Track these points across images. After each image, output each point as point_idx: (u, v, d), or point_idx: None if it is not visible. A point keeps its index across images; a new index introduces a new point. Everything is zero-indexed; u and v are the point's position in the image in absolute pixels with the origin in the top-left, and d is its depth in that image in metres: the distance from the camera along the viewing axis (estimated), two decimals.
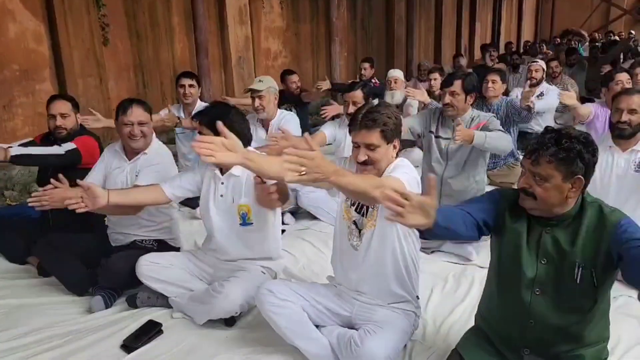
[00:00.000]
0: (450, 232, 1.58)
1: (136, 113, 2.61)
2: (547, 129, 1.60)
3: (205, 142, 1.63)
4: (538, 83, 5.20)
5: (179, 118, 3.90)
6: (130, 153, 2.70)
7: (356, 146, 2.00)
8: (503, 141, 3.01)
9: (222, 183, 2.40)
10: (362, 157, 1.96)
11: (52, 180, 2.19)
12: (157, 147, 2.74)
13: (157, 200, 2.41)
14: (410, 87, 6.51)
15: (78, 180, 2.22)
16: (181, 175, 2.51)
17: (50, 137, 3.04)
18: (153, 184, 2.44)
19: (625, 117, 2.70)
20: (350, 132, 2.04)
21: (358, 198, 1.94)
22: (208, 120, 2.23)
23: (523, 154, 1.67)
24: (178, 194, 2.43)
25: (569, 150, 1.52)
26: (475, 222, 1.65)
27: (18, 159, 2.76)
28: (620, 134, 2.74)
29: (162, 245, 2.79)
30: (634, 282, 1.55)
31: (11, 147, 2.76)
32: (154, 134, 2.76)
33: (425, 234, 1.54)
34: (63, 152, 2.83)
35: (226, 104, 2.54)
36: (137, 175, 2.60)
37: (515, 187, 1.80)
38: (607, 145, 2.80)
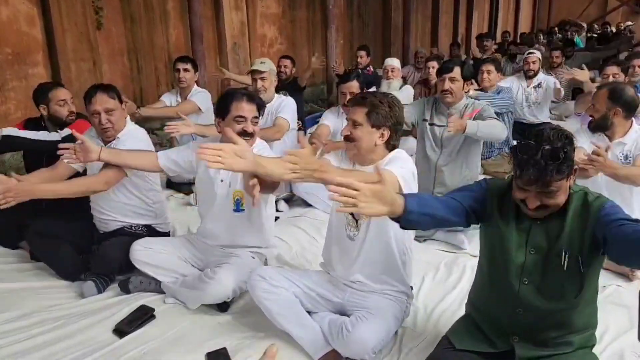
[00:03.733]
0: (432, 218, 1.59)
1: (100, 100, 2.49)
2: (526, 144, 1.50)
3: (212, 149, 1.56)
4: (535, 74, 5.20)
5: (137, 107, 3.78)
6: (105, 142, 2.64)
7: (347, 123, 2.07)
8: (496, 129, 3.01)
9: None
10: (345, 132, 2.03)
11: (12, 174, 2.24)
12: (131, 129, 2.67)
13: (148, 166, 2.45)
14: (405, 74, 6.52)
15: (73, 131, 2.30)
16: (178, 150, 2.53)
17: (40, 123, 3.01)
18: (149, 151, 2.47)
19: (589, 111, 2.82)
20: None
21: None
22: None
23: (513, 168, 1.57)
24: (171, 166, 2.47)
25: (567, 157, 1.49)
26: (464, 209, 1.67)
27: (10, 140, 2.74)
28: (589, 127, 2.83)
29: (151, 231, 2.78)
30: (621, 260, 1.54)
31: None
32: (127, 118, 2.69)
33: (401, 222, 1.54)
34: (60, 139, 2.82)
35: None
36: None
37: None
38: (598, 134, 2.83)
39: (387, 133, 2.02)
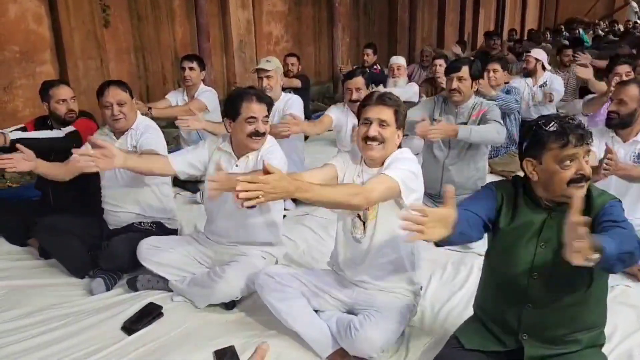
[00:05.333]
0: (463, 238, 1.60)
1: (113, 93, 2.62)
2: (547, 120, 1.60)
3: (249, 184, 1.46)
4: (530, 74, 5.16)
5: (149, 108, 3.79)
6: (118, 133, 2.73)
7: (366, 122, 1.97)
8: (490, 134, 3.00)
9: (237, 165, 2.39)
10: (374, 132, 1.94)
11: (18, 146, 2.32)
12: (143, 121, 2.77)
13: (164, 170, 2.43)
14: (410, 73, 6.49)
15: (92, 138, 2.30)
16: (189, 150, 2.53)
17: (46, 122, 3.03)
18: (161, 155, 2.46)
19: (613, 107, 2.74)
20: (361, 109, 2.02)
21: (335, 207, 1.95)
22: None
23: (553, 144, 1.57)
24: (184, 169, 2.44)
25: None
26: (482, 221, 1.66)
27: (18, 143, 2.76)
28: (608, 123, 2.77)
29: (160, 227, 2.80)
30: None
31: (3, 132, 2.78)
32: (138, 113, 2.80)
33: (440, 243, 1.54)
34: (63, 135, 2.84)
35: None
36: (135, 145, 2.65)
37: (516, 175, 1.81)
38: (609, 136, 2.80)
39: (401, 134, 2.02)
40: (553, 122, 1.57)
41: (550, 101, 4.86)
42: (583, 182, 1.56)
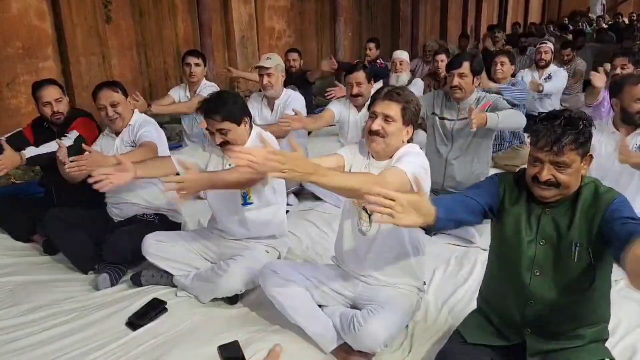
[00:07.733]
0: (455, 222, 1.61)
1: (105, 95, 2.70)
2: (549, 114, 1.60)
3: (274, 155, 1.53)
4: (547, 65, 5.16)
5: (149, 105, 3.74)
6: (117, 132, 2.80)
7: (372, 116, 1.99)
8: (515, 117, 2.99)
9: (230, 165, 2.40)
10: (376, 126, 1.95)
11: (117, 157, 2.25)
12: (140, 117, 2.84)
13: (170, 172, 2.41)
14: (413, 67, 6.47)
15: (114, 154, 2.35)
16: (186, 155, 2.52)
17: (44, 124, 3.00)
18: (165, 157, 2.47)
19: (629, 105, 2.69)
20: (372, 102, 2.04)
21: (349, 196, 1.95)
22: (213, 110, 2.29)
23: (530, 139, 1.63)
24: (182, 171, 2.44)
25: (586, 133, 1.56)
26: (481, 207, 1.67)
27: (33, 160, 2.79)
28: (625, 120, 2.73)
29: (163, 220, 2.81)
30: (617, 259, 1.47)
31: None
32: (136, 110, 2.86)
33: (428, 230, 1.54)
34: (72, 143, 2.84)
35: (233, 93, 2.52)
36: (134, 141, 2.71)
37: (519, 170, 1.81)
38: (610, 131, 2.79)
39: (411, 131, 2.02)
40: (543, 120, 1.58)
41: (539, 91, 4.86)
42: (543, 185, 1.58)
